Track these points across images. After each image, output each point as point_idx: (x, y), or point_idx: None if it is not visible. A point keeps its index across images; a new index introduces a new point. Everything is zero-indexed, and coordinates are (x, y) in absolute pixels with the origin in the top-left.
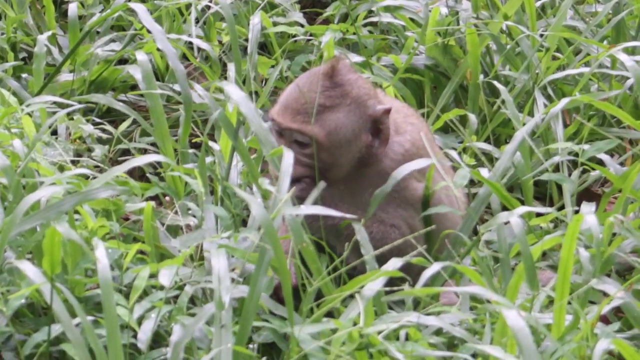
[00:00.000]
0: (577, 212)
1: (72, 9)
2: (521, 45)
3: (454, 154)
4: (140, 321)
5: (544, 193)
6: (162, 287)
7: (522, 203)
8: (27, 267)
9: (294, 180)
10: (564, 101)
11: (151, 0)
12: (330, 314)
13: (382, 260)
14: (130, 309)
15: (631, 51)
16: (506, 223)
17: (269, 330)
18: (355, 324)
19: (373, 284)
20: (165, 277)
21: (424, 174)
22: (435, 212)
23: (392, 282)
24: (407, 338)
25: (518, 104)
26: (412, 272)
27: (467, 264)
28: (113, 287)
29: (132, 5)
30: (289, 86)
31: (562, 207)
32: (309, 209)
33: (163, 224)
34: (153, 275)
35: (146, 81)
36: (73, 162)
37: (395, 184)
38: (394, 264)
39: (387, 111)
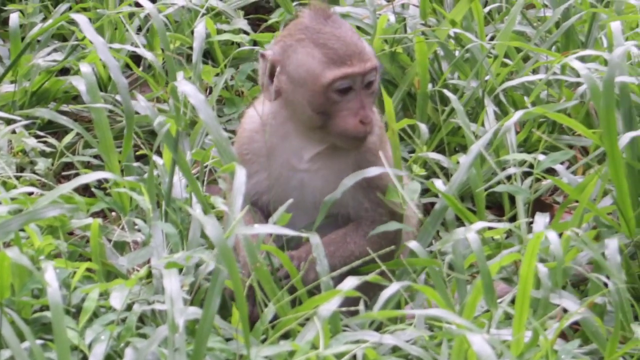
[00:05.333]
0: (529, 223)
1: (14, 19)
2: (470, 52)
3: None
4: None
5: (493, 201)
6: (111, 307)
7: (474, 213)
8: None
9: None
10: (519, 113)
11: (93, 9)
12: (285, 333)
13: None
14: (81, 332)
15: (582, 58)
16: None
17: (223, 352)
18: (312, 344)
19: (329, 305)
20: (117, 299)
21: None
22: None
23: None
24: (363, 358)
25: (467, 111)
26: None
27: (421, 278)
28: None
29: (73, 16)
30: (324, 41)
31: (514, 216)
32: (263, 228)
33: (110, 240)
34: (101, 294)
35: (90, 94)
36: (16, 176)
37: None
38: (350, 283)
39: None
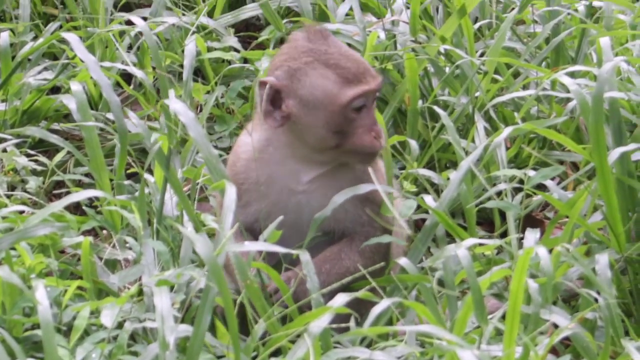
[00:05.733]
0: (520, 238)
1: (4, 37)
2: (460, 68)
3: None
4: None
5: (484, 217)
6: (102, 325)
7: (465, 229)
8: None
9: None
10: (509, 129)
11: (84, 28)
12: (276, 350)
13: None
14: (72, 350)
15: (572, 74)
16: None
17: None
18: None
19: (320, 321)
20: (108, 317)
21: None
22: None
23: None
24: None
25: (457, 127)
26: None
27: (412, 295)
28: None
29: (64, 35)
30: (335, 61)
31: (504, 232)
32: (254, 245)
33: (101, 258)
34: (92, 312)
35: (81, 112)
36: (7, 194)
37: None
38: (341, 300)
39: None
